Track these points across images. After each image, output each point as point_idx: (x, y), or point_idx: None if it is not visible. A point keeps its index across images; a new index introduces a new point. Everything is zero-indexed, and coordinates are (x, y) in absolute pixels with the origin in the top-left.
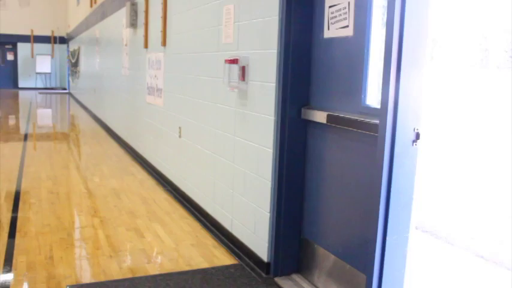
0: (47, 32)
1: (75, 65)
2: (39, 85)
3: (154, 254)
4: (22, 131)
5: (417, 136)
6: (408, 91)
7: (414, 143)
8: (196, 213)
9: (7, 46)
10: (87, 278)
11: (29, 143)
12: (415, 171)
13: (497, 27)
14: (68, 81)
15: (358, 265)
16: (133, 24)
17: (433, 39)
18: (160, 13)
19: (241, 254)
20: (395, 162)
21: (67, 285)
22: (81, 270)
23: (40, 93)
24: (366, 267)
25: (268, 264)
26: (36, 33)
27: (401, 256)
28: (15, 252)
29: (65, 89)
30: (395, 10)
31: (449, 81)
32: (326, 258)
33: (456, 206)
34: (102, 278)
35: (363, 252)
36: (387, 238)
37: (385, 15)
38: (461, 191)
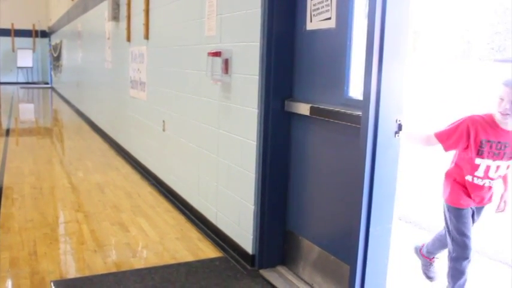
0: (28, 26)
1: (57, 59)
2: (21, 80)
3: (139, 248)
4: (4, 126)
5: (399, 127)
6: (390, 83)
7: (396, 134)
8: (180, 206)
9: None
10: (71, 273)
11: (11, 139)
12: (397, 162)
13: (479, 19)
14: (50, 75)
15: (342, 256)
16: (115, 17)
17: (416, 31)
18: (142, 6)
19: (226, 246)
20: (378, 153)
21: (51, 281)
22: (66, 266)
23: (22, 87)
24: (350, 258)
25: (253, 256)
26: (17, 27)
27: (384, 246)
28: None
29: (47, 83)
30: (377, 2)
31: (432, 72)
32: (310, 249)
33: (438, 198)
34: (86, 273)
35: (347, 243)
36: (370, 229)
37: (367, 7)
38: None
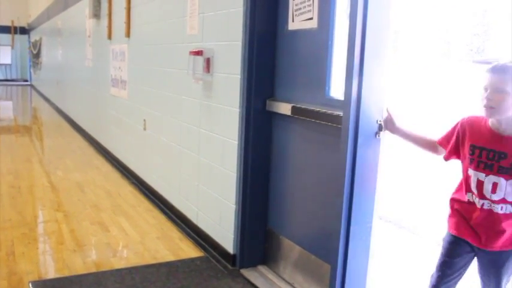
0: (6, 22)
1: (37, 56)
2: None
3: (119, 247)
4: None
5: (380, 128)
6: (371, 83)
7: (377, 135)
8: (161, 206)
9: None
10: (50, 274)
11: None
12: (378, 162)
13: (458, 21)
14: (30, 72)
15: (323, 255)
16: (96, 14)
17: (396, 30)
18: (124, 4)
19: (207, 246)
20: (359, 153)
21: (29, 281)
22: (44, 266)
23: (0, 85)
24: (331, 257)
25: (234, 256)
26: None
27: (364, 245)
28: None
29: (26, 80)
30: (359, 2)
31: (413, 73)
32: (291, 249)
33: (419, 197)
34: (66, 273)
35: (328, 243)
36: (351, 228)
37: (349, 8)
38: (424, 182)
